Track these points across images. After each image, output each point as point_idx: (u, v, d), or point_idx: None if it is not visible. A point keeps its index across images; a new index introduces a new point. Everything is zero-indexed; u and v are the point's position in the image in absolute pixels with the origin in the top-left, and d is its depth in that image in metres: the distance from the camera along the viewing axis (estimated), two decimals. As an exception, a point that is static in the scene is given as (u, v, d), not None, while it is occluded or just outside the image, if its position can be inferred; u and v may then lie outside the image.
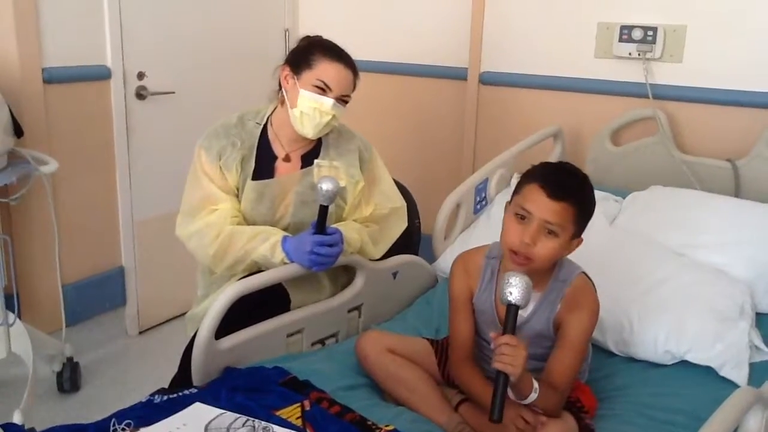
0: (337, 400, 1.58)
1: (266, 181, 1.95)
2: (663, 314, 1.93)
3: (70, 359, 2.48)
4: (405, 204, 2.14)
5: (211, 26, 3.02)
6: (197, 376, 1.69)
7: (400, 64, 3.23)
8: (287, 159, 1.99)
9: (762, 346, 1.90)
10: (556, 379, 1.55)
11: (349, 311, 2.05)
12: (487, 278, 1.69)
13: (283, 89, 1.96)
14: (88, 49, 2.63)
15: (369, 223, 2.04)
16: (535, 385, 1.47)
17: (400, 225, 2.11)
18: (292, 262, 1.85)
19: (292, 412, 1.51)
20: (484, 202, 2.53)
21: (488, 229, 2.34)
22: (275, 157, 1.99)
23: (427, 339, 1.86)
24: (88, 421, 1.51)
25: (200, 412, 1.50)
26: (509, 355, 1.36)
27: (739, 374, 1.81)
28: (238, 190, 1.95)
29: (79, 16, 2.58)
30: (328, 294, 2.02)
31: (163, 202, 2.82)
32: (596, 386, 1.78)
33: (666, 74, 2.67)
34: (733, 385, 1.76)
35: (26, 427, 1.50)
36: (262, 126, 1.99)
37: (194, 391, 1.60)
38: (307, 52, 1.91)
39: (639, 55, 2.65)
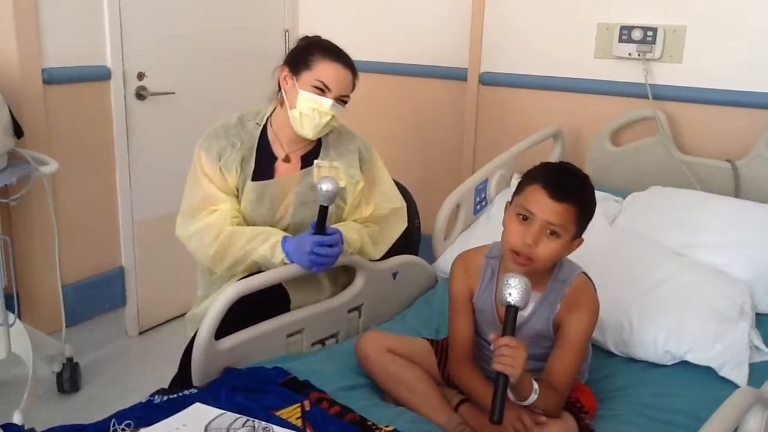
0: (337, 401, 1.58)
1: (266, 181, 1.95)
2: (663, 314, 1.93)
3: (70, 359, 2.48)
4: (405, 204, 2.14)
5: (211, 27, 3.02)
6: (197, 377, 1.69)
7: (400, 64, 3.23)
8: (287, 159, 1.99)
9: (762, 346, 1.90)
10: (556, 379, 1.55)
11: (349, 311, 2.05)
12: (487, 278, 1.69)
13: (282, 90, 1.96)
14: (88, 49, 2.63)
15: (369, 223, 2.04)
16: (535, 386, 1.47)
17: (400, 225, 2.11)
18: (292, 262, 1.85)
19: (292, 413, 1.51)
20: (484, 203, 2.53)
21: (488, 230, 2.34)
22: (275, 158, 1.99)
23: (427, 339, 1.86)
24: (88, 421, 1.51)
25: (200, 413, 1.50)
26: (509, 357, 1.36)
27: (739, 374, 1.81)
28: (238, 190, 1.95)
29: (79, 16, 2.59)
30: (328, 294, 2.02)
31: (163, 202, 2.82)
32: (596, 386, 1.78)
33: (666, 74, 2.67)
34: (733, 386, 1.76)
35: (26, 428, 1.50)
36: (261, 126, 1.99)
37: (194, 391, 1.60)
38: (306, 53, 1.90)
39: (639, 55, 2.65)
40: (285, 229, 1.95)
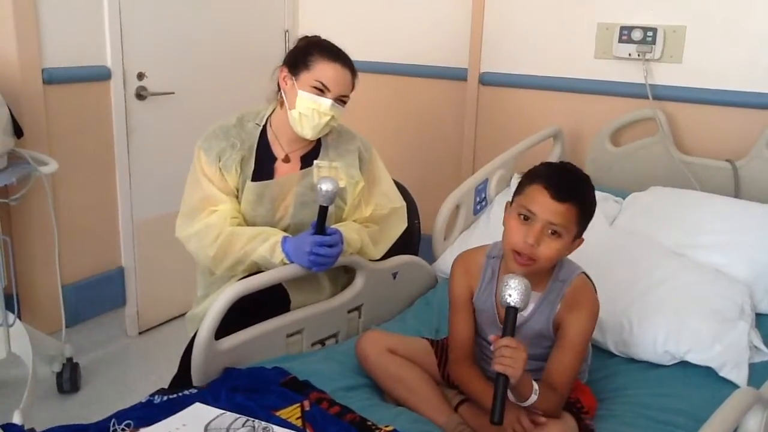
0: (337, 401, 1.58)
1: (266, 182, 1.95)
2: (663, 315, 1.93)
3: (69, 360, 2.48)
4: (405, 204, 2.14)
5: (211, 27, 3.02)
6: (197, 377, 1.69)
7: (400, 64, 3.23)
8: (287, 160, 1.99)
9: (762, 346, 1.90)
10: (556, 379, 1.55)
11: (349, 312, 2.05)
12: (487, 278, 1.69)
13: (281, 90, 1.96)
14: (88, 49, 2.63)
15: (369, 223, 2.04)
16: (535, 386, 1.47)
17: (400, 225, 2.11)
18: (292, 262, 1.85)
19: (291, 413, 1.51)
20: (483, 203, 2.53)
21: (488, 230, 2.35)
22: (275, 158, 1.99)
23: (427, 339, 1.86)
24: (88, 421, 1.51)
25: (200, 413, 1.50)
26: (509, 357, 1.36)
27: (738, 375, 1.81)
28: (237, 191, 1.95)
29: (79, 16, 2.58)
30: (328, 294, 2.02)
31: (163, 203, 2.82)
32: (596, 387, 1.78)
33: (666, 75, 2.67)
34: (732, 386, 1.76)
35: (26, 428, 1.50)
36: (261, 127, 1.99)
37: (194, 391, 1.60)
38: (305, 53, 1.90)
39: (639, 55, 2.65)
40: (285, 230, 1.95)
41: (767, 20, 2.49)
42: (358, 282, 2.05)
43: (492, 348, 1.40)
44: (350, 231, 1.94)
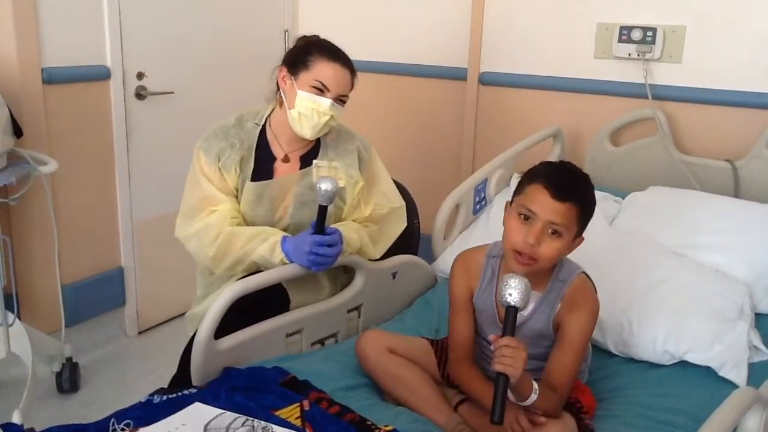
0: (337, 400, 1.58)
1: (265, 182, 1.95)
2: (662, 314, 1.93)
3: (69, 359, 2.48)
4: (404, 204, 2.14)
5: (211, 27, 3.02)
6: (197, 376, 1.69)
7: (400, 64, 3.23)
8: (286, 160, 1.99)
9: (761, 346, 1.90)
10: (556, 379, 1.55)
11: (349, 311, 2.05)
12: (487, 277, 1.69)
13: (281, 90, 1.95)
14: (88, 49, 2.63)
15: (368, 223, 2.04)
16: (535, 386, 1.47)
17: (400, 225, 2.11)
18: (292, 262, 1.85)
19: (291, 412, 1.51)
20: (483, 203, 2.53)
21: (488, 230, 2.35)
22: (274, 158, 1.98)
23: (427, 339, 1.86)
24: (87, 421, 1.51)
25: (200, 412, 1.50)
26: (510, 357, 1.36)
27: (738, 374, 1.81)
28: (237, 191, 1.95)
29: (78, 16, 2.58)
30: (327, 294, 2.02)
31: (163, 202, 2.82)
32: (596, 387, 1.78)
33: (665, 75, 2.67)
34: (732, 386, 1.76)
35: (26, 427, 1.50)
36: (260, 127, 1.99)
37: (194, 391, 1.60)
38: (304, 53, 1.90)
39: (638, 55, 2.65)
40: (284, 229, 1.95)
41: (767, 20, 2.49)
42: (358, 282, 2.05)
43: (492, 347, 1.40)
44: (350, 231, 1.94)
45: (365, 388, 1.75)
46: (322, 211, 1.82)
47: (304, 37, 1.97)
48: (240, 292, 1.73)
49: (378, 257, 2.07)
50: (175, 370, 1.84)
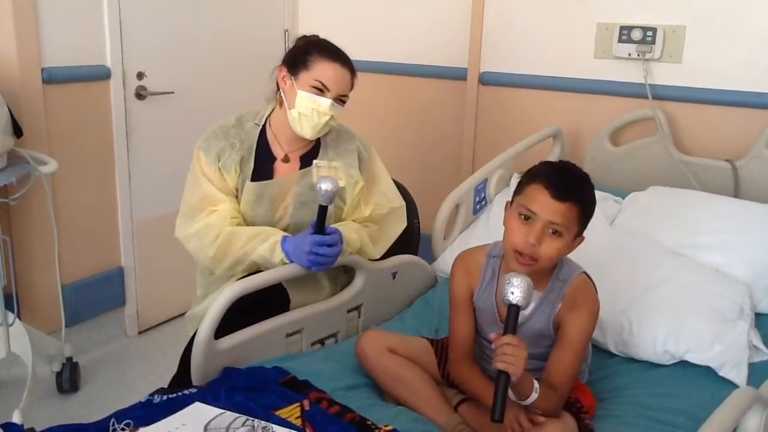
0: (337, 400, 1.58)
1: (265, 182, 1.95)
2: (662, 314, 1.93)
3: (69, 359, 2.48)
4: (404, 204, 2.14)
5: (211, 26, 3.02)
6: (197, 376, 1.69)
7: (400, 64, 3.23)
8: (286, 160, 1.99)
9: (761, 346, 1.90)
10: (556, 379, 1.55)
11: (349, 311, 2.05)
12: (488, 277, 1.69)
13: (281, 90, 1.95)
14: (88, 49, 2.63)
15: (368, 223, 2.04)
16: (536, 385, 1.47)
17: (400, 225, 2.11)
18: (292, 262, 1.85)
19: (291, 412, 1.51)
20: (483, 203, 2.53)
21: (488, 230, 2.35)
22: (274, 158, 1.98)
23: (427, 339, 1.86)
24: (87, 421, 1.51)
25: (200, 412, 1.50)
26: (511, 355, 1.36)
27: (738, 374, 1.81)
28: (237, 191, 1.95)
29: (78, 16, 2.58)
30: (327, 294, 2.02)
31: (163, 202, 2.82)
32: (596, 387, 1.78)
33: (665, 75, 2.67)
34: (732, 386, 1.76)
35: (26, 427, 1.50)
36: (260, 127, 1.99)
37: (194, 390, 1.60)
38: (304, 53, 1.90)
39: (638, 55, 2.65)
40: (284, 229, 1.95)
41: (767, 20, 2.49)
42: (358, 282, 2.05)
43: (493, 346, 1.40)
44: (350, 231, 1.94)
45: (365, 388, 1.75)
46: (322, 211, 1.82)
47: (304, 37, 1.97)
48: (240, 292, 1.73)
49: (378, 257, 2.07)
50: (175, 370, 1.84)
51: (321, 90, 1.87)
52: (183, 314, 2.18)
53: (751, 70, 2.53)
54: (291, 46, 2.01)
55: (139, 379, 2.58)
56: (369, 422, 1.50)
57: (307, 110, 1.87)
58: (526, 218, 1.55)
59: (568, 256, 1.63)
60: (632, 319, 1.94)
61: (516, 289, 1.39)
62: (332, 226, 1.90)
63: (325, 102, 1.87)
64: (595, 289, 1.65)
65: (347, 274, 2.09)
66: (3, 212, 2.50)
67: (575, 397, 1.64)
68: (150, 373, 2.60)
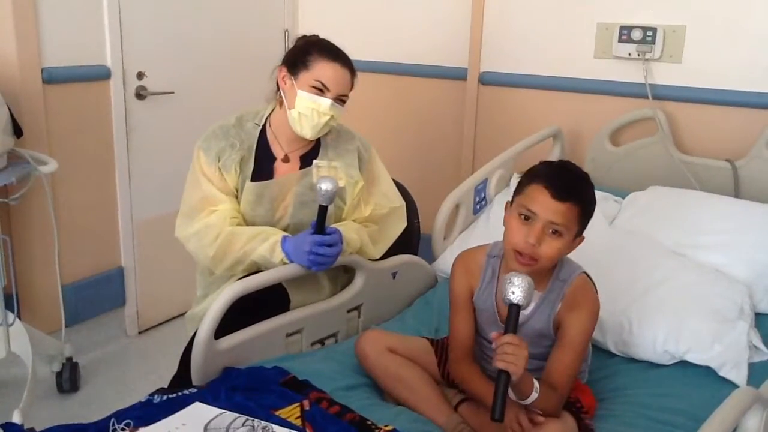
0: (337, 400, 1.58)
1: (265, 182, 1.95)
2: (662, 314, 1.93)
3: (69, 359, 2.48)
4: (404, 204, 2.14)
5: (211, 26, 3.02)
6: (197, 376, 1.69)
7: (400, 64, 3.23)
8: (286, 160, 1.99)
9: (761, 346, 1.90)
10: (556, 379, 1.55)
11: (349, 311, 2.05)
12: (488, 277, 1.69)
13: (281, 90, 1.95)
14: (88, 49, 2.63)
15: (368, 223, 2.04)
16: (536, 384, 1.47)
17: (400, 225, 2.11)
18: (292, 262, 1.85)
19: (291, 412, 1.51)
20: (483, 203, 2.53)
21: (488, 230, 2.35)
22: (274, 158, 1.98)
23: (427, 338, 1.86)
24: (87, 421, 1.51)
25: (200, 412, 1.50)
26: (511, 354, 1.36)
27: (738, 374, 1.81)
28: (237, 191, 1.95)
29: (78, 16, 2.58)
30: (327, 294, 2.02)
31: (163, 202, 2.82)
32: (596, 387, 1.78)
33: (665, 75, 2.67)
34: (732, 385, 1.76)
35: (26, 427, 1.50)
36: (260, 127, 1.99)
37: (194, 390, 1.60)
38: (304, 53, 1.90)
39: (638, 55, 2.65)
40: (284, 229, 1.95)
41: (767, 20, 2.49)
42: (358, 281, 2.05)
43: (494, 345, 1.40)
44: (350, 230, 1.94)
45: (365, 387, 1.75)
46: (322, 211, 1.82)
47: (304, 36, 1.97)
48: (240, 292, 1.73)
49: (378, 257, 2.07)
50: (175, 370, 1.84)
51: (321, 90, 1.87)
52: (183, 314, 2.18)
53: (751, 70, 2.53)
54: (291, 46, 2.01)
55: (139, 379, 2.58)
56: (369, 422, 1.50)
57: (307, 110, 1.87)
58: (526, 218, 1.55)
59: (568, 256, 1.63)
60: (632, 319, 1.94)
61: (517, 289, 1.39)
62: (332, 226, 1.90)
63: (325, 102, 1.87)
64: (596, 289, 1.65)
65: (347, 274, 2.09)
66: (3, 212, 2.50)
67: (575, 397, 1.64)
68: (150, 373, 2.60)
